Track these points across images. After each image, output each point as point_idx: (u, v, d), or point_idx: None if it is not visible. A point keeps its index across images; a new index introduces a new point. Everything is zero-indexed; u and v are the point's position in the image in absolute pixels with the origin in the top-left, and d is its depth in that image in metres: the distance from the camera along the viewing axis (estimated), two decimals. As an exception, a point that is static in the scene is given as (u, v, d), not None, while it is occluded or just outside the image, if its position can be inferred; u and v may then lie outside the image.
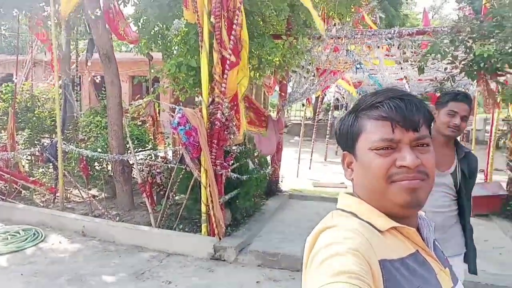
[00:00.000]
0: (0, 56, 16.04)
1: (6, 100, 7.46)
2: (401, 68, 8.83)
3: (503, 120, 7.54)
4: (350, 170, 0.94)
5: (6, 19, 7.47)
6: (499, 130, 7.74)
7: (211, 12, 4.34)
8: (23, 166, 7.32)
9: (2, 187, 6.81)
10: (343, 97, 14.20)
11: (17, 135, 7.09)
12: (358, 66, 8.65)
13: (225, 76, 4.34)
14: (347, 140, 0.92)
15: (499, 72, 5.07)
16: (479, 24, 4.91)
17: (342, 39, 6.50)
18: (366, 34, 6.57)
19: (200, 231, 4.83)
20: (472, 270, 2.37)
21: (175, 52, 5.87)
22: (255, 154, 5.89)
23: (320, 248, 0.78)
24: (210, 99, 4.54)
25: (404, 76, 10.00)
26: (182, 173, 5.15)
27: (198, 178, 4.68)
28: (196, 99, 5.85)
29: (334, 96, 13.67)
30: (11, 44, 18.26)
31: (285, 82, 7.07)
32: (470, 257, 2.35)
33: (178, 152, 6.35)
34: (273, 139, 6.78)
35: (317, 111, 12.77)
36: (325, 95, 14.07)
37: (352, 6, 6.89)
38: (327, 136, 12.41)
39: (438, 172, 2.19)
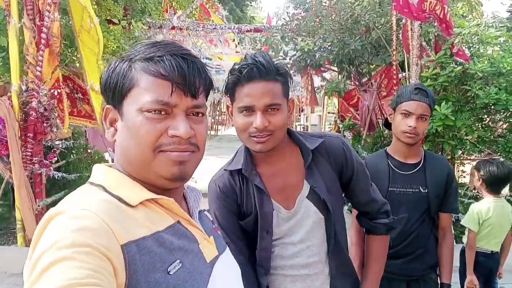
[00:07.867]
0: None
1: None
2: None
3: (328, 112, 8.53)
4: (113, 129, 0.77)
5: None
6: (330, 124, 8.75)
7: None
8: None
9: None
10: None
11: None
12: (204, 60, 8.69)
13: (40, 58, 3.72)
14: (114, 92, 0.75)
15: (322, 69, 5.67)
16: (305, 23, 5.37)
17: (183, 31, 6.39)
18: (208, 27, 6.61)
19: (17, 242, 4.08)
20: None
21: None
22: (88, 151, 5.29)
23: (43, 252, 0.58)
24: (24, 85, 3.84)
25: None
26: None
27: (10, 180, 3.92)
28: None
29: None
30: None
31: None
32: None
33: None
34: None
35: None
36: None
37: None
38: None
39: (283, 211, 1.26)
